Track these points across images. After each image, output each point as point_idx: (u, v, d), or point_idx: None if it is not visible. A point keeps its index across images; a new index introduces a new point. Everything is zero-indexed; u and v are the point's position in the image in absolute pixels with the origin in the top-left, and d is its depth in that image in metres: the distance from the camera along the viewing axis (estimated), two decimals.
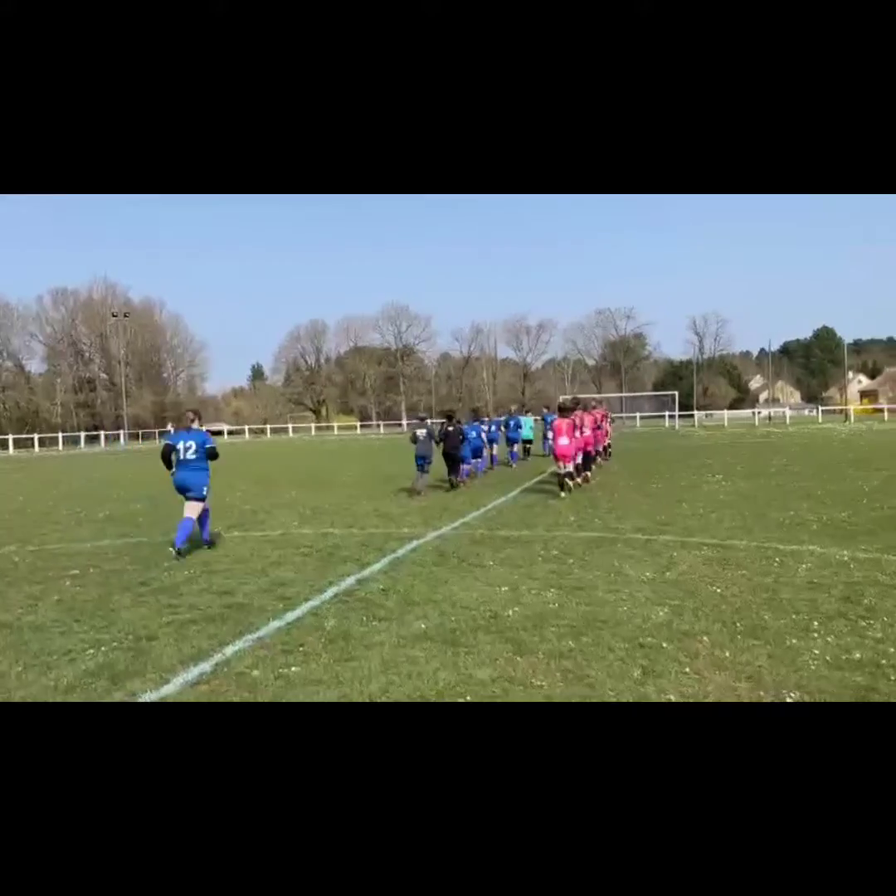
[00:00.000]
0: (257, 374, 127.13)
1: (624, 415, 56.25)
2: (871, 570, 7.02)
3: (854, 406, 63.24)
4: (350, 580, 7.30)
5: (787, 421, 54.13)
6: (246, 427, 69.31)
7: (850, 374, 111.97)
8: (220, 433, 70.29)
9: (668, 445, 31.34)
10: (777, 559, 7.61)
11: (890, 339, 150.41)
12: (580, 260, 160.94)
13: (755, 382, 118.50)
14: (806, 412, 79.84)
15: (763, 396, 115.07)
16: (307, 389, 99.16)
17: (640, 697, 4.17)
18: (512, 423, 23.43)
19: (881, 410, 60.95)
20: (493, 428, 21.10)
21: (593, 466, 17.16)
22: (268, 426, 70.38)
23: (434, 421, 19.48)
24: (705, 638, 5.16)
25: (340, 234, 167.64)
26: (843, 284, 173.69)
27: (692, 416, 63.13)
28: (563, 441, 13.79)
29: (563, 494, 13.63)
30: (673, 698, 4.14)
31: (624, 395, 66.83)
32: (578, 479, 14.96)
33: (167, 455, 9.36)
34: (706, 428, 51.65)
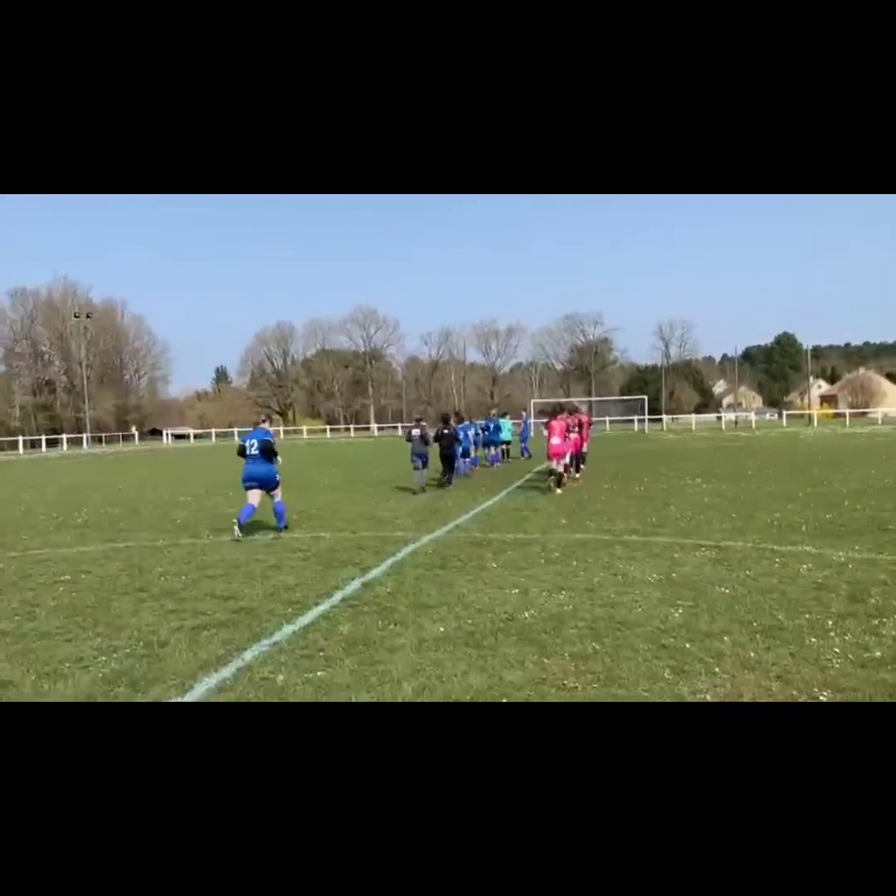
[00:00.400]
0: (221, 376, 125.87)
1: (594, 419, 56.71)
2: (870, 570, 7.14)
3: (817, 411, 64.53)
4: (354, 584, 7.22)
5: (753, 425, 55.17)
6: (212, 430, 68.32)
7: (811, 379, 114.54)
8: (185, 437, 69.36)
9: (640, 449, 31.69)
10: (777, 560, 7.71)
11: (847, 346, 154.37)
12: (549, 265, 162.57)
13: (719, 387, 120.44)
14: (767, 416, 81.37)
15: (726, 401, 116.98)
16: (274, 392, 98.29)
17: (675, 698, 4.18)
18: (491, 425, 23.77)
19: (842, 415, 62.40)
20: (475, 430, 21.66)
21: (583, 466, 18.29)
22: (235, 430, 69.43)
23: (404, 424, 20.23)
24: (726, 638, 5.20)
25: (307, 236, 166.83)
26: (802, 292, 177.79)
27: (660, 420, 63.93)
28: (555, 440, 14.57)
29: (558, 491, 14.44)
30: (709, 698, 4.16)
31: (593, 399, 67.40)
32: (575, 473, 16.50)
33: (241, 451, 10.92)
34: (674, 432, 52.31)
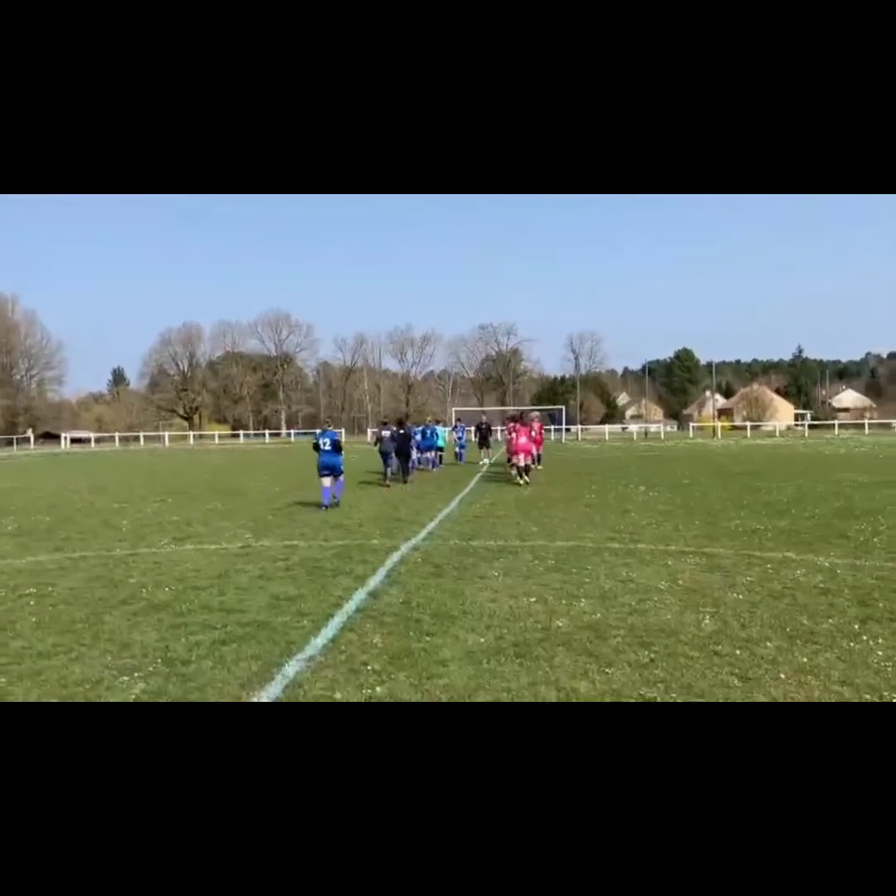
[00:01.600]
0: (118, 378, 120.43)
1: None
2: (859, 576, 7.42)
3: (720, 423, 67.75)
4: (360, 594, 6.94)
5: (662, 436, 57.28)
6: (116, 434, 65.16)
7: (707, 393, 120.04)
8: (86, 441, 65.88)
9: (569, 458, 32.26)
10: (768, 566, 7.92)
11: (738, 362, 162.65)
12: (464, 276, 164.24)
13: (622, 399, 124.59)
14: (670, 428, 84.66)
15: (629, 412, 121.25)
16: (179, 396, 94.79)
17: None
18: (428, 431, 24.51)
19: (743, 428, 65.79)
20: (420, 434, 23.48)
21: (540, 465, 22.18)
22: (141, 434, 66.50)
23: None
24: (769, 644, 5.26)
25: (216, 236, 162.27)
26: (700, 310, 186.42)
27: (570, 430, 65.44)
28: (523, 440, 18.24)
29: (526, 478, 18.04)
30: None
31: (510, 408, 68.25)
32: (538, 466, 20.95)
33: (315, 446, 14.08)
34: (589, 441, 53.68)
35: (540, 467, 22.02)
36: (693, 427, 67.80)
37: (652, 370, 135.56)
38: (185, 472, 27.02)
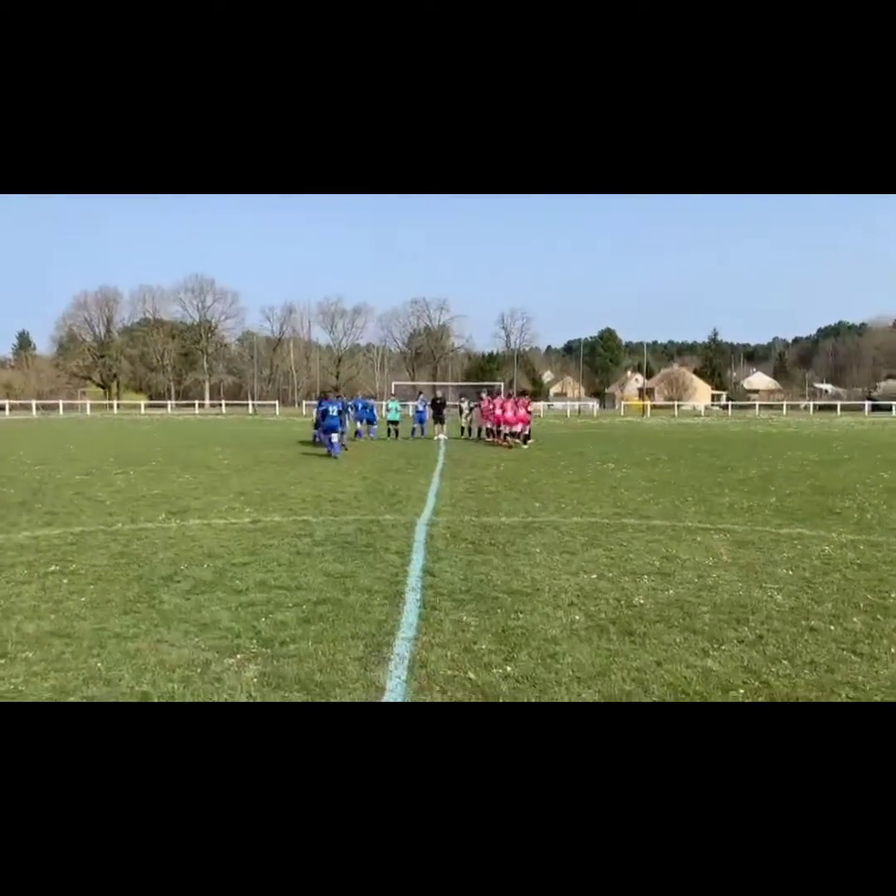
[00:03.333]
0: (24, 342, 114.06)
1: (452, 403, 57.59)
2: (883, 551, 7.75)
3: (649, 403, 69.69)
4: (414, 571, 6.80)
5: (595, 414, 58.53)
6: (33, 402, 61.65)
7: (629, 373, 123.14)
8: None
9: None
10: (796, 543, 8.17)
11: (655, 343, 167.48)
12: (403, 250, 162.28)
13: (547, 376, 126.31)
14: (598, 407, 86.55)
15: (553, 390, 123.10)
16: (96, 363, 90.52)
17: (890, 679, 4.28)
18: (360, 404, 26.59)
19: (669, 407, 67.95)
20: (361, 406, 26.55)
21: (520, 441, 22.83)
22: (60, 402, 63.16)
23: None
24: (855, 619, 5.42)
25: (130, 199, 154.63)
26: (622, 291, 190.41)
27: None
28: (509, 413, 22.33)
29: (524, 445, 21.77)
30: None
31: (450, 383, 68.16)
32: (520, 442, 22.32)
33: (324, 412, 19.30)
34: None
35: (531, 442, 22.92)
36: (624, 405, 69.64)
37: (572, 349, 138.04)
38: (129, 443, 25.86)
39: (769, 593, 6.06)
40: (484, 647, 4.79)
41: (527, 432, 22.83)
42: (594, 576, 6.63)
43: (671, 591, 6.11)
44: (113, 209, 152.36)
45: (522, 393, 25.39)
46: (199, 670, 4.36)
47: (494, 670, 4.39)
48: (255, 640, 4.88)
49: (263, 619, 5.33)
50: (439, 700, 3.98)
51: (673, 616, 5.44)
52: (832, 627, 5.21)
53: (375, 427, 26.33)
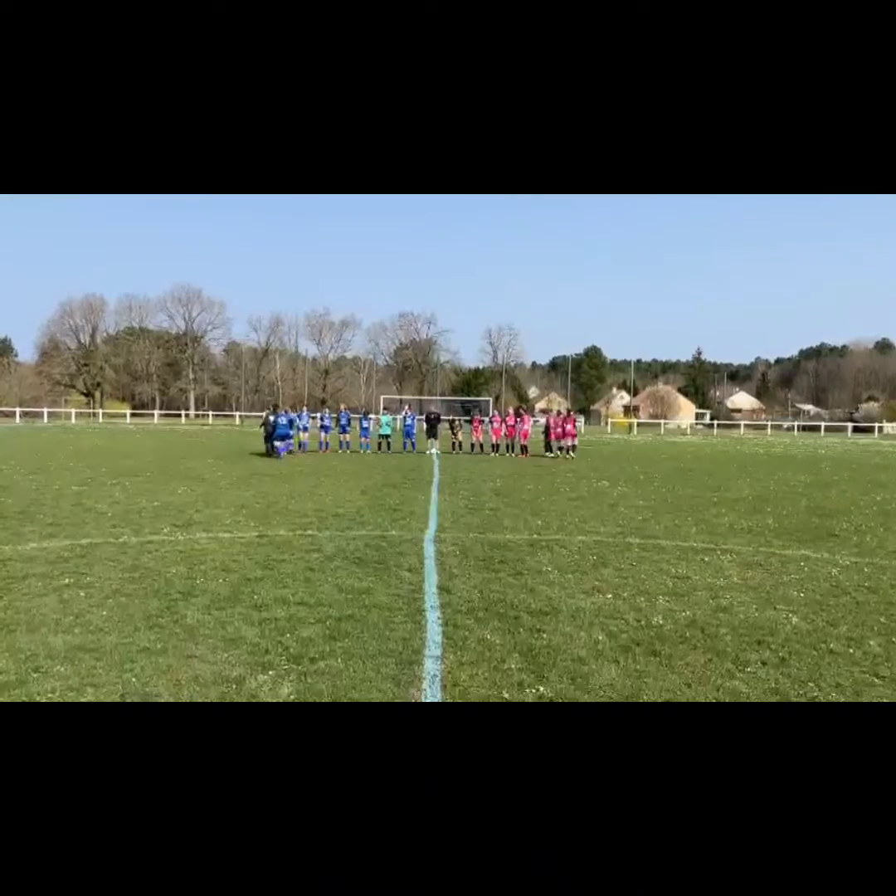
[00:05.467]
0: (5, 348, 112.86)
1: (444, 417, 57.61)
2: (888, 575, 7.87)
3: (635, 420, 70.16)
4: (430, 588, 6.83)
5: (583, 430, 58.63)
6: (17, 409, 60.97)
7: (614, 390, 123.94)
8: None
9: None
10: (803, 564, 8.28)
11: (639, 361, 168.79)
12: (389, 263, 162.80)
13: (532, 392, 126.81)
14: (585, 423, 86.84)
15: (539, 406, 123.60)
16: (80, 371, 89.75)
17: None
18: (344, 417, 26.76)
19: (655, 424, 68.44)
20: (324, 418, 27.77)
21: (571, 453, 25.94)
22: (45, 410, 62.47)
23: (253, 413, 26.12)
24: (871, 642, 5.51)
25: (121, 202, 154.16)
26: (607, 309, 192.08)
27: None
28: (526, 427, 26.57)
29: (572, 455, 25.52)
30: None
31: (437, 397, 68.31)
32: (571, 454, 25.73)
33: (274, 424, 23.15)
34: None
35: (572, 455, 25.76)
36: (611, 423, 70.04)
37: (557, 365, 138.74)
38: (118, 452, 25.66)
39: (785, 615, 6.15)
40: (512, 666, 4.83)
41: (574, 444, 26.46)
42: (609, 596, 6.69)
43: (688, 612, 6.18)
44: (100, 215, 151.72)
45: (568, 411, 29.22)
46: (234, 686, 4.37)
47: (527, 689, 4.43)
48: (284, 657, 4.89)
49: (288, 635, 5.34)
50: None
51: (694, 637, 5.51)
52: (851, 650, 5.29)
53: (366, 439, 26.64)
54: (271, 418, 23.57)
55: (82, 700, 4.13)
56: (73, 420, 62.67)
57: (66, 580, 6.87)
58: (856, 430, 67.61)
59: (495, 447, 26.53)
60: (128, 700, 4.14)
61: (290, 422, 24.47)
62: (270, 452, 23.05)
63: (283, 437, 23.31)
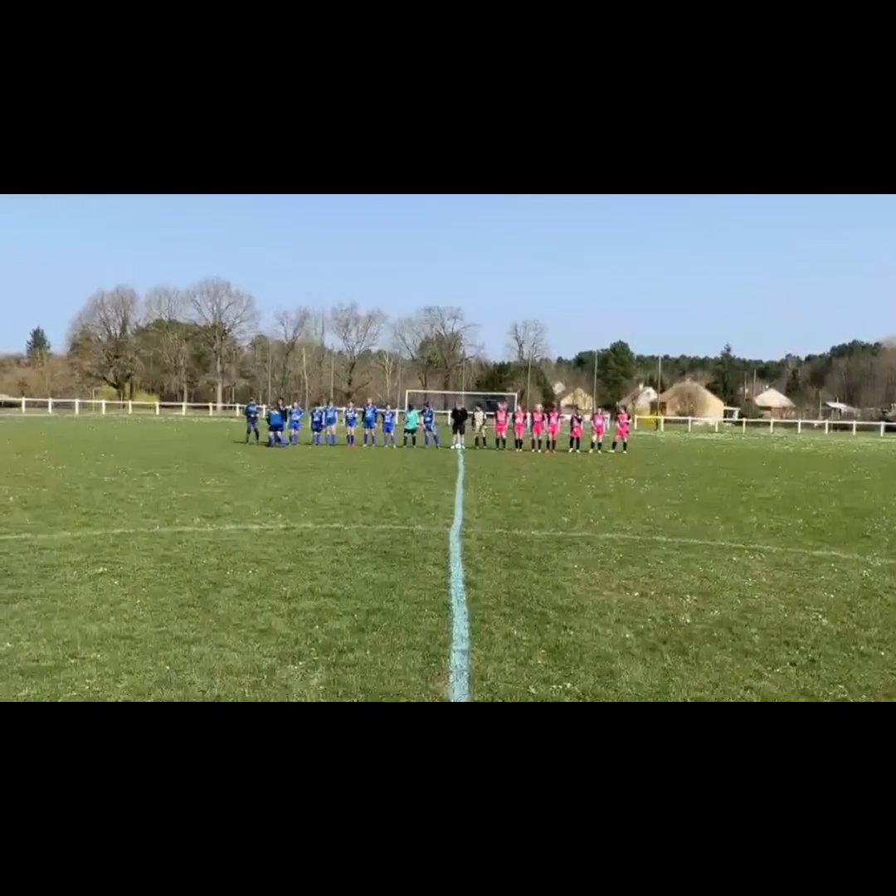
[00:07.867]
0: (39, 340, 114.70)
1: (469, 411, 57.58)
2: None
3: (663, 417, 69.66)
4: (456, 583, 6.87)
5: (608, 427, 58.45)
6: (49, 400, 62.03)
7: (641, 386, 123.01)
8: (16, 405, 62.63)
9: None
10: (833, 565, 8.20)
11: (666, 357, 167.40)
12: (414, 258, 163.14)
13: (558, 388, 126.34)
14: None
15: (564, 402, 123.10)
16: (111, 362, 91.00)
17: None
18: (370, 411, 28.02)
19: (682, 421, 67.91)
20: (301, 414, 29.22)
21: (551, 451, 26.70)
22: (76, 401, 63.47)
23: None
24: None
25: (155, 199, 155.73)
26: (633, 304, 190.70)
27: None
28: (549, 423, 27.03)
29: (625, 452, 26.92)
30: None
31: (463, 392, 68.31)
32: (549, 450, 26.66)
33: (266, 416, 27.17)
34: None
35: (624, 452, 27.46)
36: (638, 419, 69.59)
37: (583, 361, 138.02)
38: (149, 443, 26.03)
39: (814, 616, 6.11)
40: (539, 662, 4.85)
41: (626, 441, 28.48)
42: (636, 593, 6.69)
43: (716, 612, 6.15)
44: (130, 211, 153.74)
45: (622, 408, 31.73)
46: (265, 676, 4.45)
47: (553, 686, 4.45)
48: (314, 648, 4.96)
49: (318, 627, 5.41)
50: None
51: (722, 636, 5.49)
52: (882, 652, 5.24)
53: (391, 433, 27.28)
54: (271, 412, 27.05)
55: (118, 686, 4.23)
56: (104, 411, 63.62)
57: (101, 569, 7.02)
58: (888, 429, 66.43)
59: (518, 443, 27.10)
60: (163, 688, 4.23)
61: (284, 413, 27.09)
62: (271, 442, 25.77)
63: (276, 428, 26.23)
